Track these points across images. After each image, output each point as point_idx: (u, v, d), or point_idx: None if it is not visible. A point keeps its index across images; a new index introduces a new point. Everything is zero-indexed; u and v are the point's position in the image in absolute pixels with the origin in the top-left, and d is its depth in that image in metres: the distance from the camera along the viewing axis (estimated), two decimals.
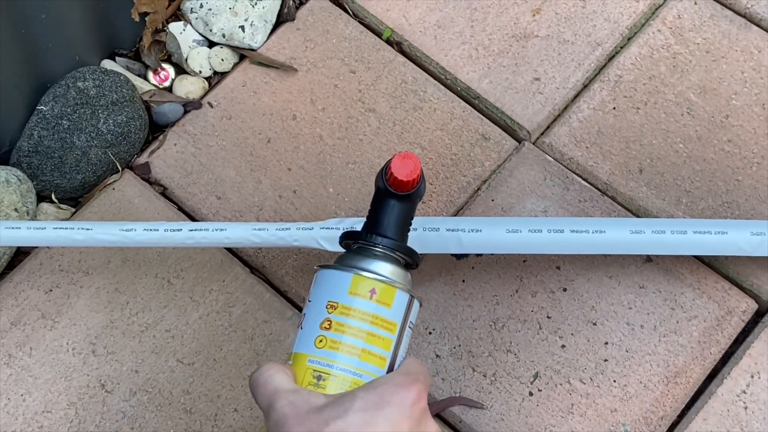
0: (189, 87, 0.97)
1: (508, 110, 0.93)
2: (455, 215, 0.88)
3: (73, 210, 0.91)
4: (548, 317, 0.83)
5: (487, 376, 0.81)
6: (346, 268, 0.58)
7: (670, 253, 0.82)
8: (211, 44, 0.99)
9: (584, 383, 0.80)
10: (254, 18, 0.98)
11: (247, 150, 0.92)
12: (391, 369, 0.57)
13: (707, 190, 0.88)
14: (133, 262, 0.86)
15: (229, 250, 0.88)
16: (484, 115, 0.94)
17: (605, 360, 0.81)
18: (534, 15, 0.98)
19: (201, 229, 0.78)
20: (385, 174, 0.60)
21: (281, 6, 1.00)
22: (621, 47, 0.97)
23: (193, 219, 0.89)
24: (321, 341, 0.56)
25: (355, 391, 0.52)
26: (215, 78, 0.99)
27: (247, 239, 0.78)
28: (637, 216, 0.87)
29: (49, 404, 0.80)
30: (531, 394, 0.80)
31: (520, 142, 0.92)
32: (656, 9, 0.98)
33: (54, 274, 0.86)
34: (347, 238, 0.62)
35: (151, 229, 0.78)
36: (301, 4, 1.01)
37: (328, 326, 0.56)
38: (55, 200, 0.91)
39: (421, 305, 0.60)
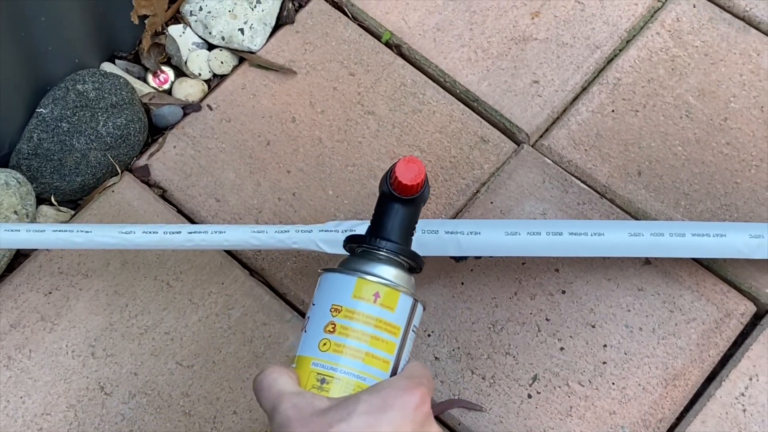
0: (188, 89, 0.97)
1: (507, 113, 0.93)
2: (454, 218, 0.88)
3: (73, 212, 0.91)
4: (547, 320, 0.83)
5: (486, 379, 0.81)
6: (350, 272, 0.58)
7: (668, 256, 0.82)
8: (211, 47, 1.00)
9: (583, 386, 0.80)
10: (254, 21, 0.98)
11: (247, 152, 0.92)
12: (394, 372, 0.57)
13: (706, 193, 0.88)
14: (132, 265, 0.86)
15: (229, 252, 0.88)
16: (483, 117, 0.94)
17: (604, 362, 0.81)
18: (533, 18, 0.98)
19: (200, 232, 0.78)
20: (389, 178, 0.60)
21: (280, 9, 1.00)
22: (620, 50, 0.97)
23: (192, 221, 0.89)
24: (325, 344, 0.56)
25: (359, 395, 0.52)
26: (214, 81, 0.99)
27: (247, 242, 0.78)
28: (636, 218, 0.88)
29: (49, 406, 0.80)
30: (530, 396, 0.80)
31: (518, 145, 0.92)
32: (655, 12, 0.99)
33: (53, 277, 0.86)
34: (351, 241, 0.62)
35: (150, 232, 0.78)
36: (301, 6, 1.01)
37: (332, 329, 0.56)
38: (55, 203, 0.91)
39: (424, 309, 0.61)
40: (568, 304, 0.83)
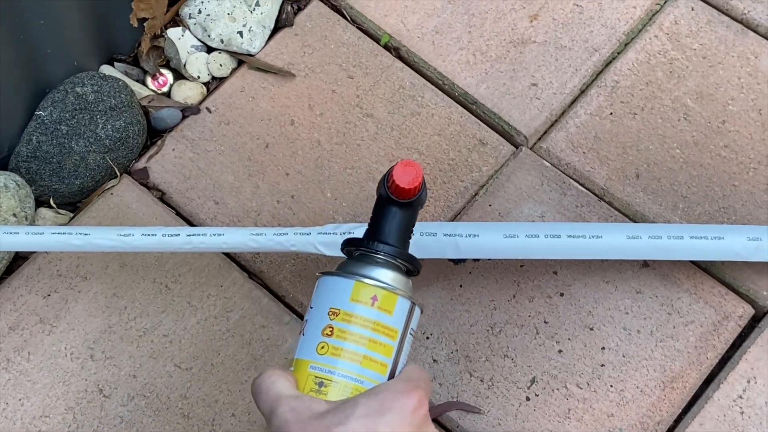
0: (187, 92, 0.97)
1: (506, 115, 0.93)
2: (453, 220, 0.89)
3: (72, 215, 0.91)
4: (545, 322, 0.83)
5: (484, 381, 0.81)
6: (347, 275, 0.58)
7: (666, 258, 0.82)
8: (210, 50, 1.00)
9: (581, 388, 0.80)
10: (252, 23, 0.98)
11: (245, 155, 0.92)
12: (392, 376, 0.57)
13: (704, 196, 0.88)
14: (131, 267, 0.86)
15: (227, 255, 0.88)
16: (481, 120, 0.94)
17: (602, 365, 0.81)
18: (531, 21, 0.99)
19: (199, 234, 0.78)
20: (387, 181, 0.60)
21: (279, 12, 1.00)
22: (618, 53, 0.97)
23: (191, 224, 0.89)
24: (323, 348, 0.56)
25: (357, 398, 0.52)
26: (213, 83, 0.99)
27: (245, 244, 0.78)
28: (634, 221, 0.88)
29: (47, 409, 0.80)
30: (528, 398, 0.80)
31: (517, 148, 0.92)
32: (653, 15, 0.99)
33: (52, 279, 0.86)
34: (349, 245, 0.62)
35: (149, 234, 0.78)
36: (300, 9, 1.01)
37: (329, 333, 0.56)
38: (54, 205, 0.91)
39: (422, 312, 0.61)
40: (566, 307, 0.83)
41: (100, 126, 0.90)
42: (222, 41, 0.98)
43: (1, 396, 0.81)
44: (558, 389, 0.80)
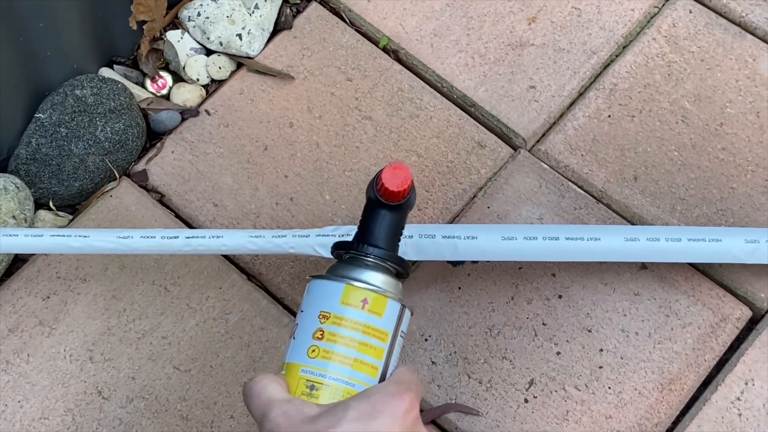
0: (186, 95, 0.97)
1: (504, 118, 0.94)
2: (451, 222, 0.89)
3: (71, 217, 0.91)
4: (544, 324, 0.83)
5: (483, 383, 0.81)
6: (337, 278, 0.58)
7: (664, 261, 0.83)
8: (209, 52, 1.00)
9: (579, 390, 0.80)
10: (251, 26, 0.98)
11: (244, 157, 0.92)
12: (383, 378, 0.57)
13: (702, 198, 0.88)
14: (130, 270, 0.86)
15: (226, 257, 0.88)
16: (479, 122, 0.94)
17: (600, 367, 0.81)
18: (530, 23, 0.99)
19: (198, 237, 0.78)
20: (375, 184, 0.61)
21: (278, 14, 1.00)
22: (616, 55, 0.97)
23: (190, 226, 0.90)
24: (314, 351, 0.56)
25: (348, 401, 0.52)
26: (212, 86, 0.99)
27: (244, 246, 0.78)
28: (632, 223, 0.88)
29: (47, 411, 0.81)
30: (526, 401, 0.80)
31: (515, 150, 0.92)
32: (651, 18, 0.99)
33: (51, 281, 0.86)
34: (339, 248, 0.62)
35: (148, 237, 0.78)
36: (299, 12, 1.01)
37: (320, 336, 0.57)
38: (53, 207, 0.91)
39: (412, 314, 0.61)
40: (564, 309, 0.83)
41: (100, 128, 0.90)
42: (221, 44, 0.98)
43: (1, 398, 0.81)
44: (556, 391, 0.80)
